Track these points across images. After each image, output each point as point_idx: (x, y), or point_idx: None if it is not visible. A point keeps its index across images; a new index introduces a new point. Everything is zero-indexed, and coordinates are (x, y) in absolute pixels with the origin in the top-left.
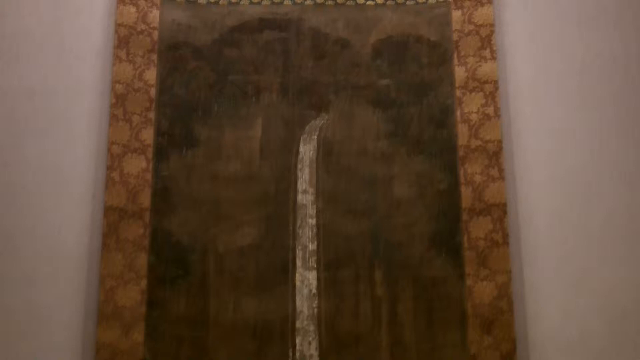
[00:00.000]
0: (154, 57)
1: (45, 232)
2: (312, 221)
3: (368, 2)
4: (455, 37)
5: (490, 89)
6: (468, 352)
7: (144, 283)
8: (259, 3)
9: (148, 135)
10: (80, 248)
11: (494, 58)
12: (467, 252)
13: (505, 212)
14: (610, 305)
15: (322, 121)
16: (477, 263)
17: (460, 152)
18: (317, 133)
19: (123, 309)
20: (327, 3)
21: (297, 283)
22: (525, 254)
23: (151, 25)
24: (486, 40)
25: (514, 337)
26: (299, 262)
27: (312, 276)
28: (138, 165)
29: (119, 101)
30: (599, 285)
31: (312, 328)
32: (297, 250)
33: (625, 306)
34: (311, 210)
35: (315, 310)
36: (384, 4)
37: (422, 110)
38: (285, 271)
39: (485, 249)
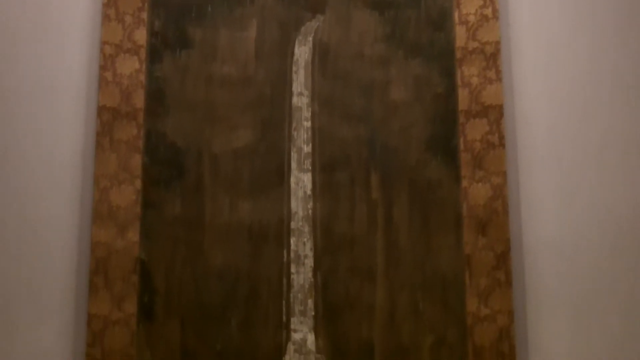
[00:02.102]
0: None
1: (39, 133)
2: (308, 124)
3: None
4: None
5: None
6: (462, 253)
7: (138, 183)
8: None
9: (141, 36)
10: (74, 148)
11: None
12: (463, 154)
13: (502, 114)
14: (604, 216)
15: (318, 23)
16: (473, 165)
17: (458, 54)
18: (312, 35)
19: (118, 209)
20: None
21: (292, 185)
22: (521, 156)
23: None
24: None
25: (508, 237)
26: (294, 165)
27: (307, 178)
28: (131, 66)
29: (111, 1)
30: (594, 194)
31: (307, 229)
32: (292, 153)
33: (620, 218)
34: (306, 113)
35: (310, 211)
36: None
37: (420, 12)
38: (281, 173)
39: (481, 151)
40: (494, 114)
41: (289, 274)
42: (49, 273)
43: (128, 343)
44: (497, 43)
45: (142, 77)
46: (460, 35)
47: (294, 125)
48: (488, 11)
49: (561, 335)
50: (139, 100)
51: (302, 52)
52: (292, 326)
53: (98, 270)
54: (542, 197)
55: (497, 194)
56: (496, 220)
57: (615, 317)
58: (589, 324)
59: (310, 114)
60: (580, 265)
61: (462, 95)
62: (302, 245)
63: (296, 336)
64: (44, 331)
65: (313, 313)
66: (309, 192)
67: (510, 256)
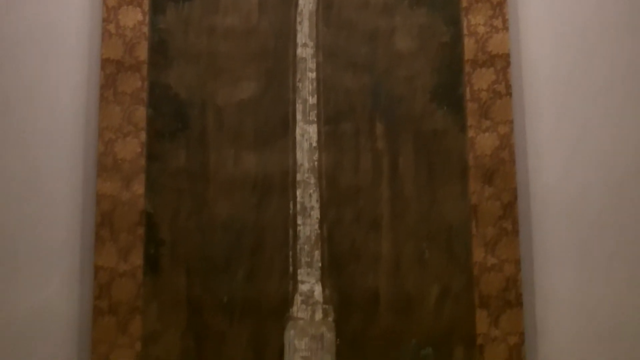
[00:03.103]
0: None
1: (42, 86)
2: (312, 75)
3: None
4: None
5: None
6: (469, 203)
7: (142, 136)
8: None
9: None
10: (78, 101)
11: None
12: (469, 104)
13: (508, 63)
14: (611, 164)
15: None
16: (480, 114)
17: (464, 3)
18: None
19: (122, 162)
20: None
21: (297, 137)
22: (527, 105)
23: None
24: None
25: (515, 187)
26: (299, 116)
27: (312, 130)
28: (134, 18)
29: None
30: (601, 142)
31: (312, 181)
32: (297, 104)
33: (627, 165)
34: (311, 64)
35: (316, 163)
36: None
37: None
38: (285, 125)
39: (488, 100)
40: (501, 63)
41: (295, 225)
42: (54, 226)
43: (134, 295)
44: None
45: (145, 29)
46: None
47: (298, 76)
48: None
49: (568, 283)
50: (143, 52)
51: (306, 2)
52: (298, 277)
53: (104, 222)
54: (549, 145)
55: (503, 144)
56: (503, 170)
57: (621, 264)
58: (595, 272)
59: (314, 64)
60: (587, 213)
61: (468, 44)
62: (308, 197)
63: (303, 287)
64: (50, 284)
65: (319, 264)
66: (314, 143)
67: (517, 205)
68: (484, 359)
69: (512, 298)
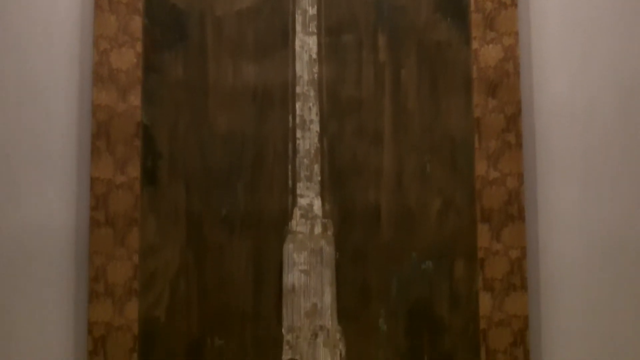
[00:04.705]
0: None
1: None
2: None
3: None
4: None
5: None
6: (472, 115)
7: (139, 46)
8: None
9: None
10: (72, 9)
11: None
12: (473, 14)
13: None
14: (618, 78)
15: None
16: (484, 26)
17: None
18: None
19: (118, 72)
20: None
21: (297, 48)
22: (533, 17)
23: None
24: None
25: (519, 99)
26: (298, 27)
27: (312, 41)
28: None
29: None
30: (608, 55)
31: (312, 94)
32: (296, 15)
33: (634, 78)
34: None
35: (316, 75)
36: None
37: None
38: (285, 36)
39: (493, 11)
40: None
41: (294, 139)
42: (50, 136)
43: (132, 207)
44: None
45: None
46: None
47: None
48: None
49: (572, 198)
50: None
51: None
52: (298, 191)
53: (100, 133)
54: (555, 58)
55: (508, 56)
56: (507, 82)
57: (627, 178)
58: (600, 186)
59: None
60: (593, 127)
61: None
62: (307, 110)
63: (302, 201)
64: (47, 195)
65: (319, 178)
66: (314, 55)
67: (521, 118)
68: (485, 272)
69: (515, 212)
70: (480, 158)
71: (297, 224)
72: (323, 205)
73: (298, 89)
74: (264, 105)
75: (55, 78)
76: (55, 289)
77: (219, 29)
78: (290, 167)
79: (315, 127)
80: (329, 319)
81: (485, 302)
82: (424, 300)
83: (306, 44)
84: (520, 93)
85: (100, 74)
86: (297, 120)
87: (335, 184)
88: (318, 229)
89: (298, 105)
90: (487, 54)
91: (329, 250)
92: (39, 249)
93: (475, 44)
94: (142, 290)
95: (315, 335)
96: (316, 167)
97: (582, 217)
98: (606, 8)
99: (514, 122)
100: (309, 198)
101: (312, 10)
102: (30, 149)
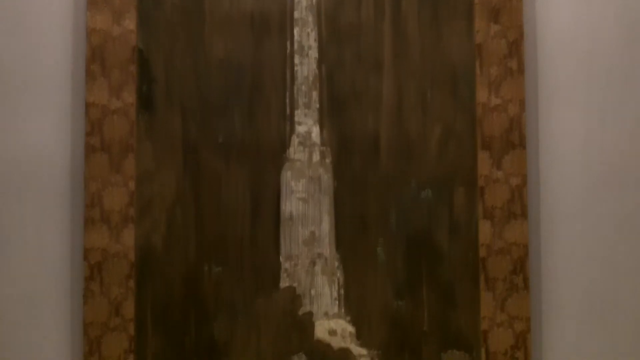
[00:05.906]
0: None
1: None
2: None
3: None
4: None
5: None
6: (473, 41)
7: None
8: None
9: None
10: None
11: None
12: None
13: None
14: (622, 6)
15: None
16: None
17: None
18: None
19: None
20: None
21: None
22: None
23: None
24: None
25: (521, 24)
26: None
27: None
28: None
29: None
30: None
31: (310, 19)
32: None
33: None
34: None
35: (314, 0)
36: None
37: None
38: None
39: None
40: None
41: (292, 65)
42: (45, 61)
43: (127, 133)
44: None
45: None
46: None
47: None
48: None
49: (574, 126)
50: None
51: None
52: (296, 119)
53: (94, 56)
54: None
55: None
56: (509, 7)
57: (631, 106)
58: (604, 115)
59: None
60: (597, 54)
61: None
62: (305, 36)
63: (300, 129)
64: (41, 121)
65: (318, 105)
66: None
67: (524, 44)
68: (485, 200)
69: (516, 139)
70: (481, 84)
71: (295, 151)
72: (321, 132)
73: (296, 14)
74: (261, 31)
75: (49, 1)
76: (50, 215)
77: None
78: (288, 94)
79: (314, 54)
80: (327, 247)
81: (485, 230)
82: (423, 228)
83: None
84: (523, 18)
85: None
86: (295, 46)
87: (333, 112)
88: (316, 157)
89: (296, 30)
90: None
91: (327, 178)
92: (34, 175)
93: None
94: (139, 217)
95: (314, 263)
96: (314, 94)
97: (583, 144)
98: None
99: (516, 47)
100: (307, 125)
101: None
102: (24, 74)
